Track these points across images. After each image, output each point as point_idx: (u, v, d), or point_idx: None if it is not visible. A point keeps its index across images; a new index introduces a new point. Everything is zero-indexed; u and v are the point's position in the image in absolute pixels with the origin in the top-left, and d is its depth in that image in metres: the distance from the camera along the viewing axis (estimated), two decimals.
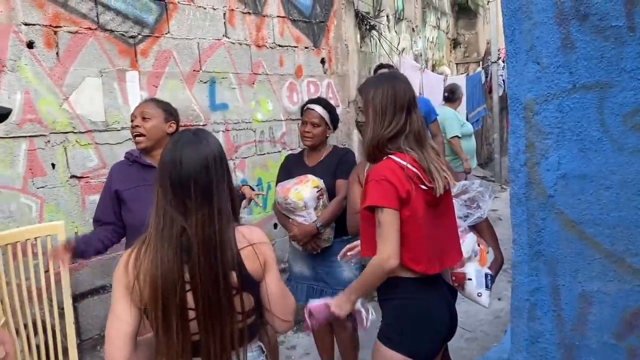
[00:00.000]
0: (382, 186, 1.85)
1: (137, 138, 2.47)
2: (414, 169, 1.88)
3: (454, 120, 5.77)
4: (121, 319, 1.44)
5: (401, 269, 1.90)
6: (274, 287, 1.57)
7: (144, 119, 2.47)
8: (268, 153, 4.19)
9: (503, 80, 9.21)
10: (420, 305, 1.92)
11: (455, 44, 10.60)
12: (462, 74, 9.97)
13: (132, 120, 2.52)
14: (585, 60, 1.50)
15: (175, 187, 1.45)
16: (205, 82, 3.68)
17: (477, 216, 2.33)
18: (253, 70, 4.03)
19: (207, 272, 1.42)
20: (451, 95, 6.00)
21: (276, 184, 3.02)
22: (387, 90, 1.97)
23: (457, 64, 10.63)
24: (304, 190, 2.76)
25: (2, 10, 2.64)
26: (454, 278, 2.25)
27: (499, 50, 9.17)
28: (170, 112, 2.56)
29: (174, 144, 1.51)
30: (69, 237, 2.68)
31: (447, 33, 9.91)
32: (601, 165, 1.51)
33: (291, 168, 3.03)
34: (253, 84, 4.04)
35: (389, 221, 1.83)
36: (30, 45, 2.76)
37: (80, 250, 2.38)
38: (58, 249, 2.37)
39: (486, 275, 2.26)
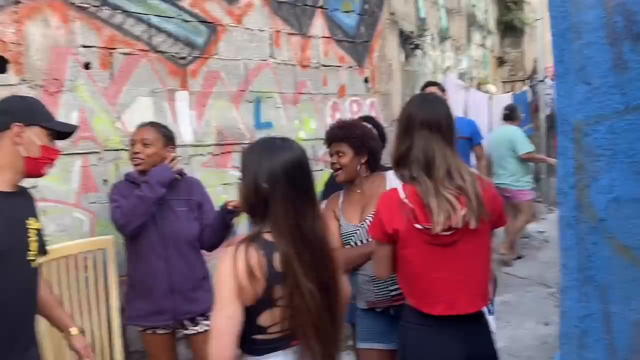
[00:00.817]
0: (375, 217, 1.89)
1: (136, 161, 2.57)
2: (411, 205, 1.80)
3: (523, 137, 5.91)
4: (233, 318, 1.49)
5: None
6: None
7: (144, 145, 2.55)
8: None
9: (550, 99, 9.01)
10: (418, 337, 1.88)
11: (500, 62, 10.46)
12: (507, 92, 9.81)
13: (131, 145, 2.60)
14: (638, 81, 1.46)
15: (284, 187, 1.52)
16: (251, 102, 3.76)
17: None
18: (297, 90, 4.09)
19: (322, 264, 1.55)
20: (511, 114, 6.10)
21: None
22: (401, 112, 1.98)
23: (502, 82, 10.47)
24: None
25: (63, 33, 2.79)
26: None
27: (545, 68, 9.00)
28: (169, 137, 2.65)
29: (269, 150, 1.57)
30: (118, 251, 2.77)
31: (492, 51, 9.80)
32: None
33: (337, 186, 3.03)
34: (297, 103, 4.09)
35: (376, 251, 1.91)
36: (87, 66, 2.90)
37: None
38: None
39: None
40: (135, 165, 2.58)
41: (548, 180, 8.82)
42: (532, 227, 7.68)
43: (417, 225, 1.79)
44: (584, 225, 1.57)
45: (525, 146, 5.86)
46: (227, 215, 2.62)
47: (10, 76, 2.61)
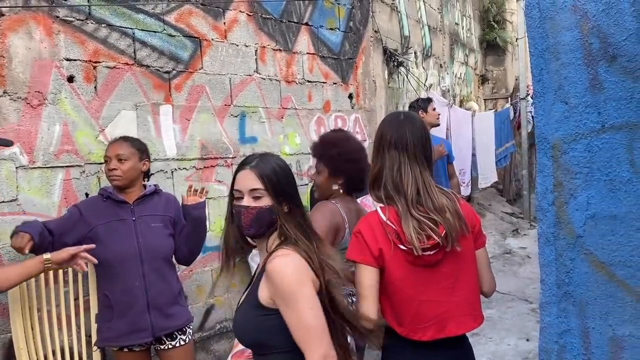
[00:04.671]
0: (357, 240, 1.79)
1: (113, 177, 2.53)
2: (394, 226, 1.75)
3: None
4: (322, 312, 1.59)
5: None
6: None
7: (119, 160, 2.53)
8: None
9: (532, 117, 9.14)
10: None
11: (483, 80, 10.62)
12: (490, 109, 9.95)
13: (106, 162, 2.57)
14: (614, 101, 1.50)
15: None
16: (235, 116, 3.77)
17: None
18: (282, 105, 4.11)
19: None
20: None
21: None
22: (376, 132, 1.93)
23: (485, 99, 10.62)
24: None
25: (46, 46, 2.78)
26: None
27: (527, 86, 9.14)
28: (143, 151, 2.64)
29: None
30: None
31: (475, 69, 9.94)
32: (632, 206, 1.49)
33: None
34: (282, 118, 4.11)
35: (363, 277, 1.76)
36: (70, 79, 2.88)
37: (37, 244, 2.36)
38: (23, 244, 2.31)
39: None
40: (112, 180, 2.55)
41: (529, 196, 8.93)
42: (514, 242, 7.74)
43: (402, 247, 1.74)
44: (563, 242, 1.60)
45: None
46: (192, 211, 2.69)
47: None
